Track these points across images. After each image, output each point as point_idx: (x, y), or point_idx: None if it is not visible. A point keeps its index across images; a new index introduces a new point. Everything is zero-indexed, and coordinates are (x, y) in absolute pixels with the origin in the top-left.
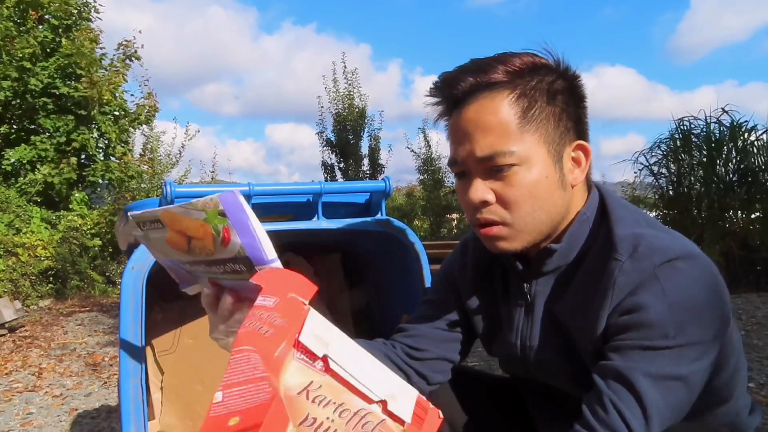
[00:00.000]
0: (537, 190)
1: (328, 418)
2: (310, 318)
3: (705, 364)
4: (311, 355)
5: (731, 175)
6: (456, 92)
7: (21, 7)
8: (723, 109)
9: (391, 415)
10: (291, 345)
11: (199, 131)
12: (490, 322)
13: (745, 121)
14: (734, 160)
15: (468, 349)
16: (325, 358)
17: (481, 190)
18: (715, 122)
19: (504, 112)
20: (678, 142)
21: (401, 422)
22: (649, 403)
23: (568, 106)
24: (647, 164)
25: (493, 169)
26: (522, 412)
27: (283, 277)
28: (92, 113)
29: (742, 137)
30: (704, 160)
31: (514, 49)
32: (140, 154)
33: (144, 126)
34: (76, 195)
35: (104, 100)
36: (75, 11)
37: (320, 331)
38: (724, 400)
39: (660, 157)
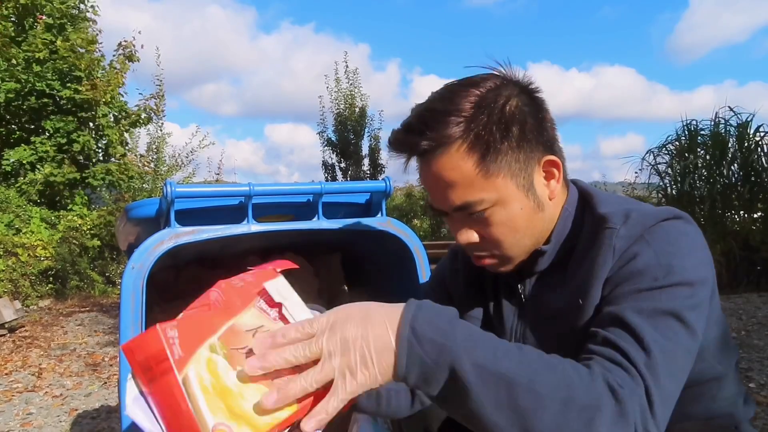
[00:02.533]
0: (515, 224)
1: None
2: (279, 278)
3: (696, 303)
4: (270, 301)
5: (735, 175)
6: (412, 152)
7: (19, 8)
8: (730, 108)
9: None
10: (254, 295)
11: (213, 143)
12: (483, 326)
13: (750, 122)
14: (738, 160)
15: None
16: (279, 305)
17: (465, 233)
18: (722, 123)
19: (462, 165)
20: (684, 142)
21: None
22: (646, 336)
23: (526, 127)
24: (653, 164)
25: (470, 214)
26: None
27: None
28: (97, 116)
29: (747, 137)
30: (708, 159)
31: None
32: (140, 155)
33: (147, 127)
34: (76, 195)
35: (104, 102)
36: (73, 11)
37: (283, 289)
38: (716, 378)
39: (668, 156)
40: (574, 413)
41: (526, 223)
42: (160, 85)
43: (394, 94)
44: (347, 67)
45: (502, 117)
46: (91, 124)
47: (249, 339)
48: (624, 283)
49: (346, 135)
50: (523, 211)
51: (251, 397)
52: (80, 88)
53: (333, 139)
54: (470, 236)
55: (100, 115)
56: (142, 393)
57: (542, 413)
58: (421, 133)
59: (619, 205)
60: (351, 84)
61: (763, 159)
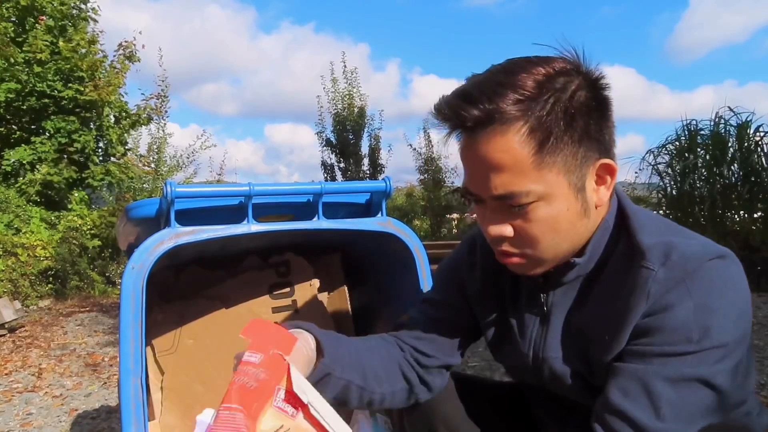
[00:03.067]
0: (558, 224)
1: None
2: (293, 372)
3: (728, 365)
4: (296, 402)
5: (735, 175)
6: (462, 124)
7: (19, 9)
8: (730, 108)
9: None
10: (270, 395)
11: (215, 145)
12: (499, 328)
13: (750, 120)
14: (738, 160)
15: (463, 355)
16: (306, 405)
17: (499, 226)
18: (722, 123)
19: (517, 149)
20: (684, 142)
21: None
22: (663, 404)
23: (590, 123)
24: (653, 164)
25: (511, 206)
26: (526, 419)
27: (266, 331)
28: (103, 116)
29: (747, 137)
30: (708, 159)
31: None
32: (141, 155)
33: (148, 126)
34: (75, 195)
35: (106, 102)
36: (73, 12)
37: (303, 384)
38: (741, 402)
39: (668, 156)
40: None
41: (568, 227)
42: (163, 86)
43: (394, 94)
44: (345, 67)
45: (570, 107)
46: (92, 125)
47: None
48: (655, 334)
49: (345, 135)
50: (568, 213)
51: None
52: (82, 89)
53: (332, 139)
54: (504, 230)
55: (105, 115)
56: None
57: None
58: (476, 103)
59: (660, 236)
60: (349, 84)
61: (763, 159)
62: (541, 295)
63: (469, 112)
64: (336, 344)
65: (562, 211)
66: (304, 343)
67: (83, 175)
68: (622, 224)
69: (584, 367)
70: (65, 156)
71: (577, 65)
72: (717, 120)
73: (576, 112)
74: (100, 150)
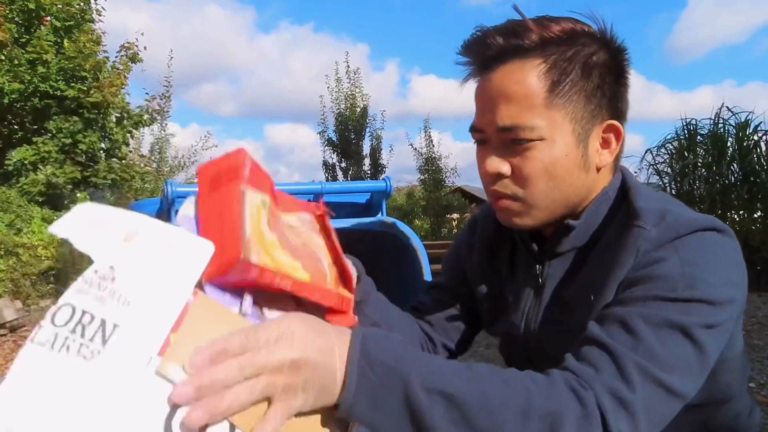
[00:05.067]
0: (554, 169)
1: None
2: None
3: (714, 325)
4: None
5: (735, 175)
6: (485, 54)
7: (25, 12)
8: (728, 108)
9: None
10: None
11: (217, 146)
12: (495, 304)
13: (749, 121)
14: (737, 160)
15: (468, 345)
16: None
17: (497, 161)
18: (721, 123)
19: (532, 82)
20: (683, 142)
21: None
22: (642, 339)
23: (605, 82)
24: (652, 163)
25: (513, 141)
26: None
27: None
28: (108, 116)
29: (746, 137)
30: (708, 159)
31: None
32: (141, 155)
33: (151, 127)
34: (79, 195)
35: (109, 103)
36: (77, 13)
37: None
38: (724, 401)
39: (667, 156)
40: (535, 423)
41: (565, 174)
42: (168, 86)
43: (394, 94)
44: (348, 67)
45: (588, 61)
46: (94, 126)
47: (285, 228)
48: (639, 285)
49: (347, 135)
50: (566, 159)
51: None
52: (85, 89)
53: (334, 139)
54: (502, 166)
55: (108, 116)
56: (194, 216)
57: (501, 429)
58: (506, 34)
59: (658, 203)
60: (352, 84)
61: (763, 159)
62: (537, 266)
63: (493, 41)
64: (372, 287)
65: (560, 156)
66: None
67: (86, 174)
68: (623, 199)
69: (573, 341)
70: (72, 156)
71: (602, 33)
72: (716, 119)
73: (594, 67)
74: (102, 150)
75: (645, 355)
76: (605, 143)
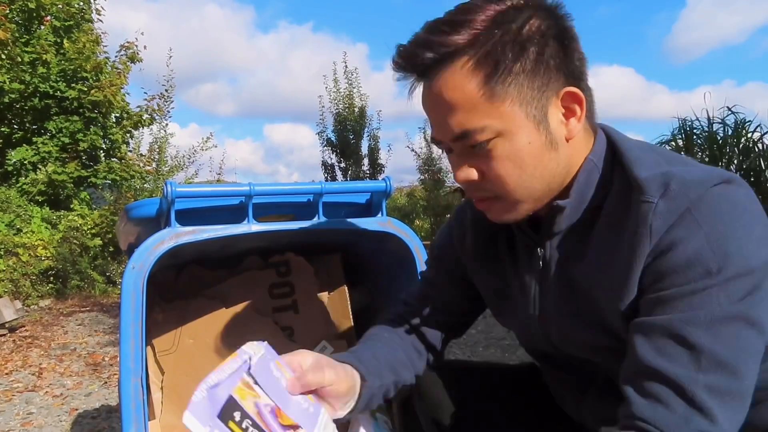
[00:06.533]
0: (521, 160)
1: None
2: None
3: (761, 296)
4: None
5: None
6: (417, 67)
7: (26, 11)
8: (728, 108)
9: None
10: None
11: (216, 146)
12: (501, 293)
13: (749, 122)
14: (737, 161)
15: (465, 329)
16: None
17: (465, 170)
18: (719, 122)
19: (465, 84)
20: (680, 142)
21: None
22: (700, 350)
23: (546, 48)
24: None
25: (472, 146)
26: (544, 399)
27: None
28: (110, 116)
29: (745, 137)
30: (706, 160)
31: None
32: (141, 154)
33: (151, 127)
34: (81, 195)
35: (110, 102)
36: (77, 12)
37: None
38: None
39: None
40: None
41: (534, 162)
42: (167, 86)
43: (393, 94)
44: (346, 67)
45: (519, 36)
46: (94, 125)
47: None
48: (671, 276)
49: (346, 135)
50: (531, 146)
51: None
52: (86, 89)
53: (332, 139)
54: (469, 173)
55: (108, 115)
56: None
57: None
58: (426, 46)
59: (657, 167)
60: (350, 84)
61: (762, 159)
62: (538, 250)
63: (419, 55)
64: (368, 360)
65: (523, 145)
66: (346, 373)
67: (86, 173)
68: (615, 163)
69: (590, 321)
70: (73, 154)
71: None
72: (712, 120)
73: (527, 41)
74: (102, 150)
75: (710, 368)
76: (569, 112)
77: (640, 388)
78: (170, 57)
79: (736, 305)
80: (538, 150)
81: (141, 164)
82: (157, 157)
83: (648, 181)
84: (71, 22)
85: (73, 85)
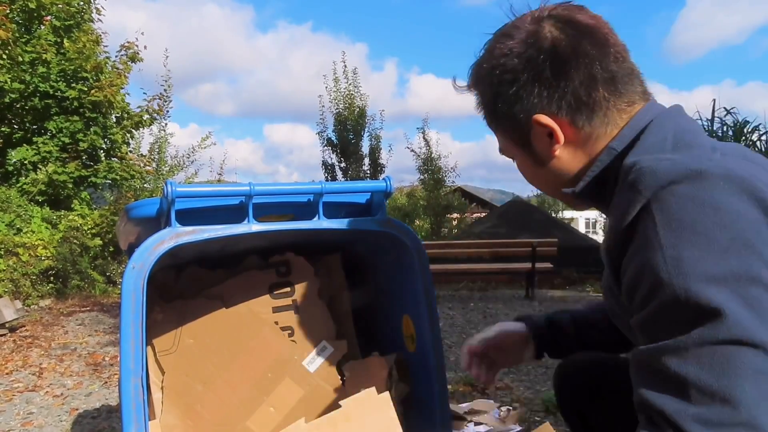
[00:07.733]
0: (525, 173)
1: None
2: None
3: (737, 304)
4: None
5: None
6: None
7: (26, 10)
8: (726, 109)
9: None
10: None
11: (215, 144)
12: None
13: (748, 122)
14: None
15: None
16: None
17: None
18: (719, 123)
19: (482, 114)
20: None
21: None
22: (684, 381)
23: (516, 85)
24: None
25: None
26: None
27: None
28: (110, 116)
29: (744, 137)
30: None
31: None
32: (141, 154)
33: (151, 127)
34: (82, 194)
35: (110, 102)
36: (77, 12)
37: None
38: None
39: None
40: None
41: (530, 176)
42: (165, 86)
43: (392, 93)
44: (346, 67)
45: (500, 79)
46: (93, 126)
47: None
48: (636, 287)
49: (346, 135)
50: (523, 165)
51: None
52: (86, 89)
53: (333, 139)
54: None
55: (109, 115)
56: None
57: None
58: (470, 83)
59: (643, 154)
60: (350, 84)
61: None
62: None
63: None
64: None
65: (521, 165)
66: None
67: (86, 173)
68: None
69: (618, 301)
70: (74, 154)
71: (526, 30)
72: (713, 119)
73: (501, 82)
74: (102, 150)
75: (699, 399)
76: (554, 138)
77: (643, 420)
78: (167, 57)
79: (708, 326)
80: (529, 168)
81: (141, 164)
82: (157, 157)
83: (624, 166)
84: (71, 22)
85: (73, 85)
